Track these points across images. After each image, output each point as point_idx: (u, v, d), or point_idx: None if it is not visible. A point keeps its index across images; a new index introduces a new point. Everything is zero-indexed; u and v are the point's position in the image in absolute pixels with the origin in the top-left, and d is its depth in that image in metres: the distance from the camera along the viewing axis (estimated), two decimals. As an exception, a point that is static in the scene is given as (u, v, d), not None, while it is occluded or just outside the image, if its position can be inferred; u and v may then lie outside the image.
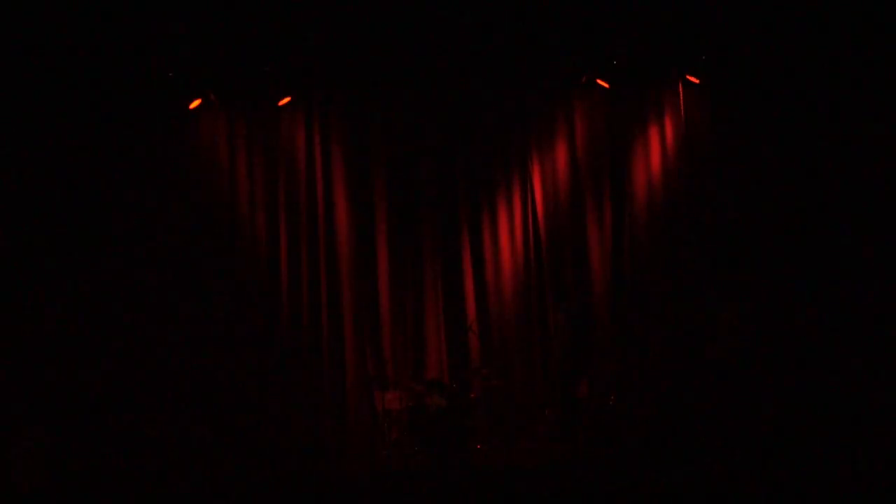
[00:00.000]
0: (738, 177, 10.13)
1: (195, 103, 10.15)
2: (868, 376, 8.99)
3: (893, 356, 8.98)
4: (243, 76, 10.20)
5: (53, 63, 9.49)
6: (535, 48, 10.20)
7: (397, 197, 10.70)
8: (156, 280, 9.87)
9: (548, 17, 9.84)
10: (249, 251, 10.36)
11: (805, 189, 9.81)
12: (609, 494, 7.45)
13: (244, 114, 10.52)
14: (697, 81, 10.30)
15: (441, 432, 9.15)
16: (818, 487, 7.06)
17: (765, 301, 9.71)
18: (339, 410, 10.20)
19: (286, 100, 10.39)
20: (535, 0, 9.75)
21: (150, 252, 9.90)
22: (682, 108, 10.49)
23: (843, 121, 9.65)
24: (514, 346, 10.46)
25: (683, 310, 10.03)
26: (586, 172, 10.72)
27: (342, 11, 9.65)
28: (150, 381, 9.59)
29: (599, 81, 10.44)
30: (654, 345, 10.06)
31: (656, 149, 10.61)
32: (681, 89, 10.47)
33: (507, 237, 10.80)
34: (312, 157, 10.68)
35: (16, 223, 9.48)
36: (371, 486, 8.14)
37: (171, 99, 10.09)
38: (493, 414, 9.72)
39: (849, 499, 6.89)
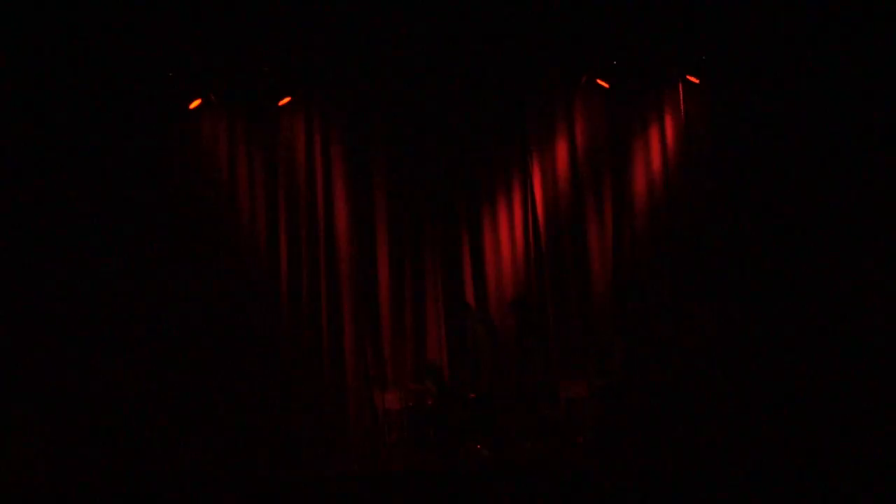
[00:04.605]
0: (738, 177, 10.12)
1: (195, 103, 10.15)
2: (869, 376, 9.01)
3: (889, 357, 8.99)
4: (243, 76, 10.20)
5: (54, 63, 9.49)
6: (535, 48, 10.20)
7: (397, 196, 10.71)
8: (155, 279, 9.86)
9: (548, 16, 9.84)
10: (249, 251, 10.37)
11: (805, 189, 9.80)
12: (609, 494, 7.45)
13: (244, 114, 10.53)
14: (697, 81, 10.30)
15: (440, 432, 9.15)
16: (815, 487, 7.08)
17: (764, 300, 9.70)
18: (339, 410, 10.21)
19: (286, 100, 10.39)
20: (535, 0, 9.76)
21: (149, 251, 9.89)
22: (682, 108, 10.49)
23: (843, 121, 9.64)
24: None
25: (683, 309, 10.02)
26: (586, 172, 10.72)
27: (342, 12, 9.65)
28: (150, 381, 9.59)
29: (599, 81, 10.43)
30: (655, 344, 10.06)
31: (656, 148, 10.61)
32: (681, 89, 10.47)
33: (508, 238, 10.80)
34: (312, 157, 10.68)
35: (15, 222, 9.47)
36: (371, 486, 8.13)
37: (171, 99, 10.09)
38: (493, 414, 9.71)
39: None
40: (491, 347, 9.67)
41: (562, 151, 10.80)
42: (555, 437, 9.41)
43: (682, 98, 10.47)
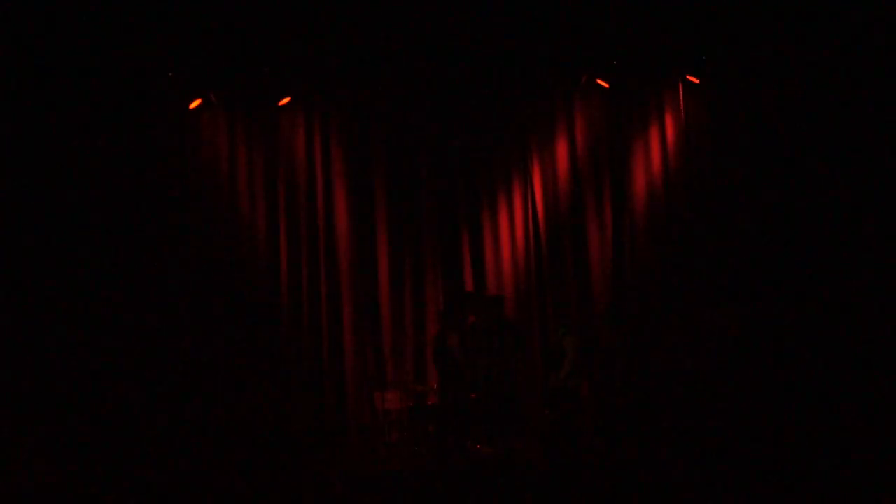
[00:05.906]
0: (738, 177, 10.13)
1: (195, 103, 10.15)
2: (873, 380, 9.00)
3: (890, 362, 8.98)
4: (243, 76, 10.20)
5: (54, 63, 9.48)
6: (535, 48, 10.20)
7: (397, 197, 10.71)
8: (155, 280, 9.86)
9: (548, 16, 9.85)
10: (249, 251, 10.37)
11: (805, 189, 9.80)
12: (609, 494, 7.45)
13: (244, 114, 10.53)
14: (697, 81, 10.30)
15: (440, 432, 9.15)
16: (812, 488, 7.09)
17: (764, 302, 9.70)
18: (339, 410, 10.21)
19: (286, 100, 10.39)
20: (535, 0, 9.76)
21: (149, 252, 9.89)
22: (682, 108, 10.50)
23: (843, 121, 9.64)
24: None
25: (683, 310, 10.03)
26: (586, 172, 10.74)
27: (342, 12, 9.65)
28: (150, 382, 9.59)
29: (599, 81, 10.44)
30: (655, 345, 10.06)
31: (656, 148, 10.62)
32: (681, 89, 10.48)
33: (508, 237, 10.81)
34: (312, 157, 10.69)
35: (15, 223, 9.47)
36: (371, 486, 8.13)
37: (171, 99, 10.09)
38: (493, 414, 9.70)
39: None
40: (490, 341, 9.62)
41: (562, 151, 10.81)
42: (553, 437, 9.41)
43: (682, 98, 10.48)
